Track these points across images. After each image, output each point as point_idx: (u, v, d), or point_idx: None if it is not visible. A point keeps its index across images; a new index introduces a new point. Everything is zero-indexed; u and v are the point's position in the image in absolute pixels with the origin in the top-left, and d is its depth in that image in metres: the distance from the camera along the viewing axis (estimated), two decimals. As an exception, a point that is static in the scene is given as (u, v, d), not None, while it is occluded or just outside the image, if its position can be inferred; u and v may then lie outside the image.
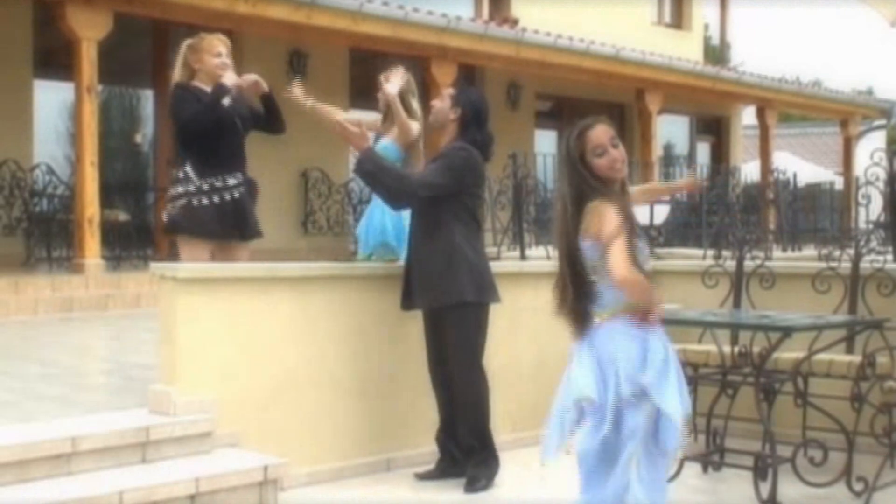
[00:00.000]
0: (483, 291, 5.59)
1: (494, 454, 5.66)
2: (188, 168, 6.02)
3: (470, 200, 5.65)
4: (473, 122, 5.66)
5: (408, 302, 5.73)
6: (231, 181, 6.05)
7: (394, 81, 6.24)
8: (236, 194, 6.06)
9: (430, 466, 5.80)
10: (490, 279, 5.66)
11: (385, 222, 6.26)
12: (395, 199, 5.64)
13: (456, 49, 13.57)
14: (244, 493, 4.98)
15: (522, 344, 6.65)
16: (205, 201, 5.99)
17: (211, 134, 5.98)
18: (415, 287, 5.63)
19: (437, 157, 5.68)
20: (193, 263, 5.72)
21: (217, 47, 6.11)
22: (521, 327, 6.58)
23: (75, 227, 10.48)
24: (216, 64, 6.07)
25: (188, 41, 6.19)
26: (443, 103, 5.72)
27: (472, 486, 5.51)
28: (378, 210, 6.29)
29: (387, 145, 6.22)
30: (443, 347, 5.63)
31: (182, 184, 6.02)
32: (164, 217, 6.17)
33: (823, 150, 26.82)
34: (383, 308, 5.93)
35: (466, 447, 5.63)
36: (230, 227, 6.06)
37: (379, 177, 5.45)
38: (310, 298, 5.71)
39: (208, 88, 6.05)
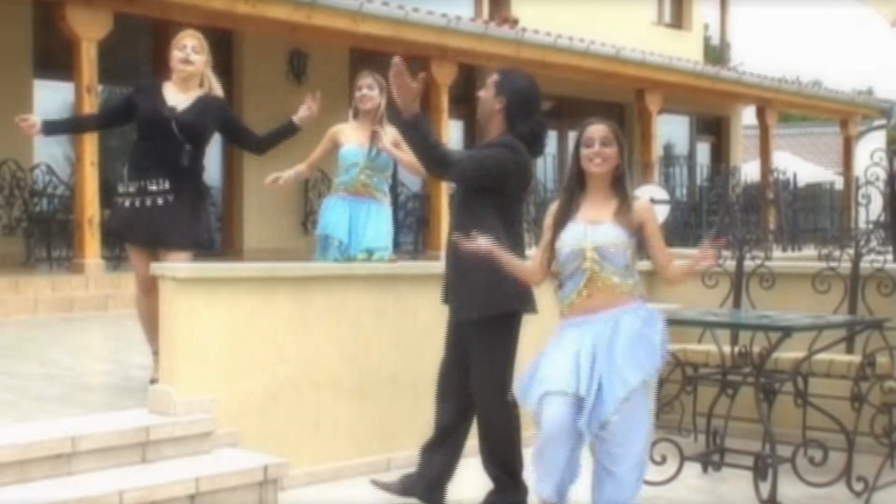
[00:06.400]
0: (525, 300, 5.03)
1: (521, 485, 5.07)
2: (125, 168, 5.99)
3: (511, 201, 4.99)
4: (518, 112, 4.93)
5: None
6: (151, 187, 5.76)
7: (385, 138, 6.70)
8: (159, 201, 5.75)
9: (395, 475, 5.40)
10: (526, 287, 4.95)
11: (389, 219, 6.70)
12: (428, 167, 4.98)
13: (456, 49, 13.57)
14: (244, 493, 4.98)
15: (522, 344, 6.63)
16: (126, 203, 5.85)
17: (142, 136, 5.90)
18: (458, 293, 5.00)
19: (483, 145, 5.09)
20: (193, 263, 5.71)
21: (182, 40, 5.94)
22: (521, 327, 6.56)
23: (75, 227, 10.48)
24: (178, 58, 5.91)
25: None
26: (487, 93, 5.01)
27: None
28: (375, 206, 6.58)
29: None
30: (465, 356, 5.08)
31: (120, 182, 6.00)
32: None
33: (823, 150, 26.81)
34: (383, 308, 5.93)
35: (493, 477, 5.10)
36: (142, 232, 5.78)
37: (422, 141, 4.83)
38: (310, 298, 5.71)
39: (172, 87, 5.93)
